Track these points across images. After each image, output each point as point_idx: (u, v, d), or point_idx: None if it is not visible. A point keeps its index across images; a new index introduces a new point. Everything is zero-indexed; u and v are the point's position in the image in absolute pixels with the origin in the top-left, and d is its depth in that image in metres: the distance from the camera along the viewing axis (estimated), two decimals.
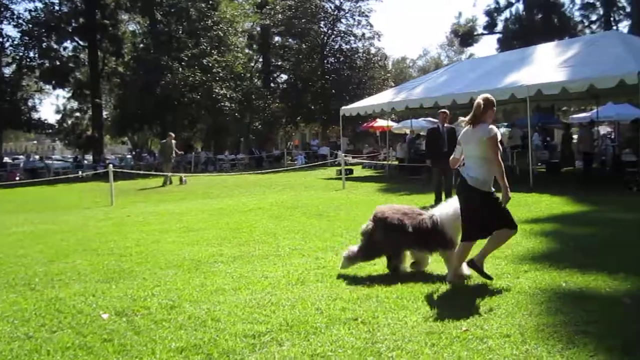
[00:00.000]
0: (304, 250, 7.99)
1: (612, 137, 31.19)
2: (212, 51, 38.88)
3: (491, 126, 5.83)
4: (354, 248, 6.56)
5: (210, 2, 39.45)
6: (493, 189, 5.93)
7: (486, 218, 5.90)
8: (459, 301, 5.30)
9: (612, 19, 45.75)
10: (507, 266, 6.66)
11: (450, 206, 6.36)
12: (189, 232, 10.17)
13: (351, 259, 6.51)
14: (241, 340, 4.47)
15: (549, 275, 6.17)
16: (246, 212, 12.96)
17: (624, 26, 44.75)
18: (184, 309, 5.33)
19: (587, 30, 46.04)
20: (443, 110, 13.90)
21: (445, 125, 13.32)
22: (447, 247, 6.27)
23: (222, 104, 38.48)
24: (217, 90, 38.12)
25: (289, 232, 9.74)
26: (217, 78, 38.53)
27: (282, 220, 11.34)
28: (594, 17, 47.75)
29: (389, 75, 50.66)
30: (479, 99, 5.87)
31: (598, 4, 46.89)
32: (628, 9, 44.17)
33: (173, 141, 23.79)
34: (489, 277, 5.91)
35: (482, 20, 50.29)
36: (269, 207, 13.77)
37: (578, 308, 4.98)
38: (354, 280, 6.21)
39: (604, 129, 34.03)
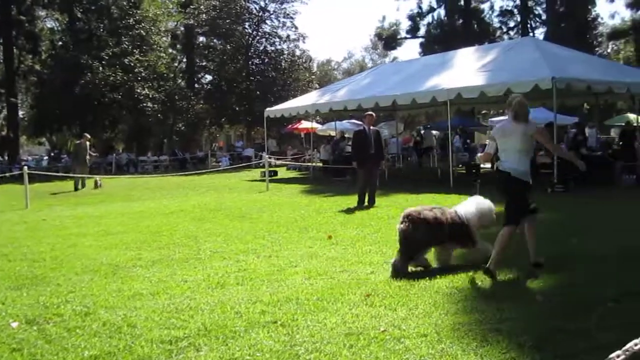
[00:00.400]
0: (225, 253, 7.91)
1: None
2: (134, 50, 38.08)
3: (534, 121, 6.61)
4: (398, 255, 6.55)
5: (133, 0, 38.65)
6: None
7: (510, 201, 6.45)
8: (378, 302, 5.34)
9: (529, 25, 47.43)
10: None
11: (472, 204, 6.85)
12: (107, 235, 9.91)
13: (397, 264, 6.47)
14: (157, 347, 4.37)
15: (466, 274, 6.30)
16: (168, 214, 12.75)
17: (540, 33, 46.53)
18: (99, 316, 5.17)
19: (506, 36, 47.54)
20: (369, 112, 14.07)
21: (371, 127, 13.53)
22: (475, 242, 6.70)
23: (145, 104, 37.75)
24: (139, 91, 37.36)
25: (210, 234, 9.63)
26: (139, 78, 37.77)
27: (204, 222, 11.20)
28: (511, 24, 49.39)
29: (313, 77, 50.82)
30: (520, 99, 6.47)
31: (516, 11, 48.52)
32: (544, 17, 45.92)
33: (88, 143, 22.88)
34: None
35: (406, 24, 51.12)
36: (191, 209, 13.59)
37: (492, 306, 5.11)
38: (274, 283, 6.18)
39: None
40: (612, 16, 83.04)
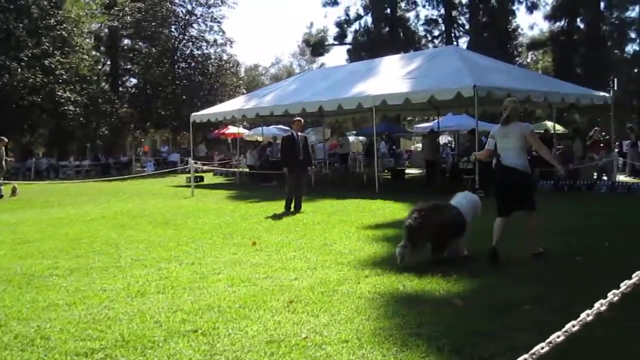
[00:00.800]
0: (147, 261, 7.73)
1: (452, 145, 33.08)
2: (55, 52, 36.90)
3: (527, 123, 7.82)
4: (403, 244, 7.06)
5: (54, 0, 37.50)
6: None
7: (525, 194, 7.43)
8: (301, 308, 5.33)
9: (453, 35, 48.61)
10: (349, 272, 6.81)
11: (464, 198, 7.76)
12: (23, 244, 9.51)
13: (402, 253, 6.99)
14: (72, 359, 4.23)
15: (388, 279, 6.38)
16: (88, 221, 12.38)
17: (463, 42, 47.81)
18: (11, 328, 4.96)
19: (431, 45, 48.59)
20: (298, 118, 14.18)
21: (299, 133, 13.65)
22: (464, 234, 7.45)
23: (66, 107, 36.62)
24: (60, 93, 36.22)
25: (132, 242, 9.40)
26: (61, 80, 36.63)
27: (125, 229, 10.93)
28: (436, 33, 50.57)
29: (241, 82, 50.50)
30: (513, 103, 7.46)
31: (440, 20, 49.67)
32: (467, 27, 47.17)
33: (4, 147, 21.56)
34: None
35: (333, 31, 51.57)
36: (113, 216, 13.25)
37: (413, 311, 5.18)
38: (196, 291, 6.09)
39: (444, 138, 36.02)
40: (532, 27, 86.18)
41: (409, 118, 48.28)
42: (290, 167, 13.34)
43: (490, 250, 7.11)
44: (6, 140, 22.00)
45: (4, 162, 20.85)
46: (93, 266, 7.49)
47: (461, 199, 7.74)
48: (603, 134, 25.12)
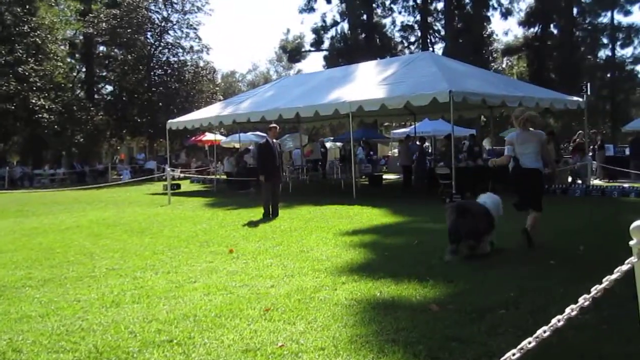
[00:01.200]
0: (122, 270, 7.66)
1: (429, 151, 33.23)
2: (29, 59, 36.58)
3: (541, 131, 8.80)
4: (450, 249, 7.70)
5: (28, 6, 37.13)
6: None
7: (538, 194, 8.48)
8: (277, 316, 5.30)
9: (428, 40, 48.93)
10: (326, 278, 6.80)
11: (488, 198, 8.38)
12: None
13: (452, 260, 7.54)
14: None
15: (365, 285, 6.38)
16: (63, 230, 12.23)
17: (439, 48, 48.16)
18: None
19: (407, 51, 48.86)
20: (274, 125, 14.21)
21: (275, 140, 13.72)
22: (493, 230, 8.07)
23: (40, 115, 36.26)
24: (34, 101, 35.88)
25: (107, 251, 9.30)
26: (35, 88, 36.29)
27: (101, 238, 10.82)
28: (412, 39, 50.87)
29: (217, 89, 50.34)
30: (533, 112, 8.70)
31: (416, 26, 49.98)
32: (443, 33, 47.51)
33: None
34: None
35: (310, 37, 51.66)
36: (88, 224, 13.11)
37: (390, 317, 5.18)
38: (172, 300, 6.03)
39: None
40: (506, 33, 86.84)
41: (386, 124, 48.49)
42: (267, 174, 13.36)
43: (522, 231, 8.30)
44: None
45: None
46: (67, 276, 7.39)
47: (486, 199, 8.39)
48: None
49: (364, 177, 26.92)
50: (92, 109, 42.46)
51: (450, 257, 7.55)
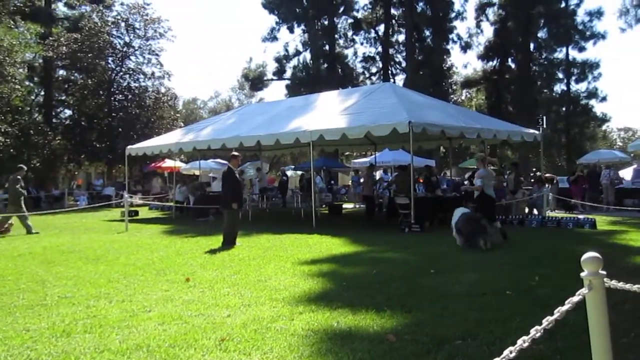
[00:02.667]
0: (75, 299, 7.47)
1: (389, 180, 33.44)
2: None
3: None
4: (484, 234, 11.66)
5: None
6: None
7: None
8: (233, 347, 5.22)
9: (390, 72, 49.56)
10: (284, 308, 6.73)
11: (463, 210, 12.63)
12: None
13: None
14: None
15: (322, 315, 6.34)
16: (15, 257, 11.92)
17: (400, 79, 48.72)
18: None
19: (368, 81, 49.37)
20: (237, 154, 14.24)
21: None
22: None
23: None
24: None
25: (60, 278, 9.08)
26: None
27: (54, 265, 10.57)
28: (374, 70, 51.45)
29: (178, 115, 49.96)
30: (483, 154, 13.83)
31: (378, 57, 50.62)
32: (404, 64, 48.20)
33: None
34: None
35: (272, 66, 51.75)
36: (41, 251, 12.80)
37: (347, 348, 5.15)
38: (125, 329, 5.90)
39: (379, 174, 36.43)
40: (465, 66, 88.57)
41: (347, 153, 48.77)
42: (239, 202, 13.78)
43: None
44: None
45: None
46: (17, 304, 7.19)
47: (463, 209, 12.62)
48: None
49: (324, 206, 26.93)
50: (49, 133, 41.71)
51: (484, 240, 11.61)
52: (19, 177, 18.46)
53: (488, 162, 11.29)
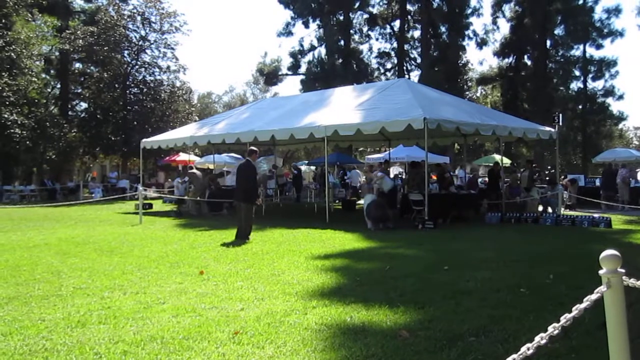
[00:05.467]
0: (90, 290, 7.52)
1: (403, 177, 33.37)
2: (3, 74, 36.14)
3: None
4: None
5: (4, 21, 36.81)
6: None
7: None
8: (247, 340, 5.22)
9: (405, 68, 49.44)
10: (297, 302, 6.73)
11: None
12: None
13: None
14: None
15: (335, 310, 6.33)
16: (30, 248, 12.02)
17: (415, 75, 48.64)
18: None
19: (383, 77, 49.29)
20: (255, 148, 14.27)
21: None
22: None
23: (12, 130, 35.82)
24: (6, 116, 35.42)
25: (75, 270, 9.14)
26: (7, 103, 35.85)
27: (69, 257, 10.64)
28: (389, 65, 51.37)
29: (193, 109, 50.12)
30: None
31: (393, 53, 50.50)
32: (419, 60, 48.07)
33: None
34: None
35: (287, 61, 51.86)
36: (56, 242, 12.90)
37: (360, 343, 5.13)
38: (139, 321, 5.92)
39: (396, 169, 36.37)
40: (481, 63, 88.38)
41: (360, 149, 48.72)
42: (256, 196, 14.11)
43: None
44: None
45: None
46: (33, 295, 7.25)
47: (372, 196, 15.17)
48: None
49: (337, 201, 26.91)
50: (65, 125, 42.06)
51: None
52: None
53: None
